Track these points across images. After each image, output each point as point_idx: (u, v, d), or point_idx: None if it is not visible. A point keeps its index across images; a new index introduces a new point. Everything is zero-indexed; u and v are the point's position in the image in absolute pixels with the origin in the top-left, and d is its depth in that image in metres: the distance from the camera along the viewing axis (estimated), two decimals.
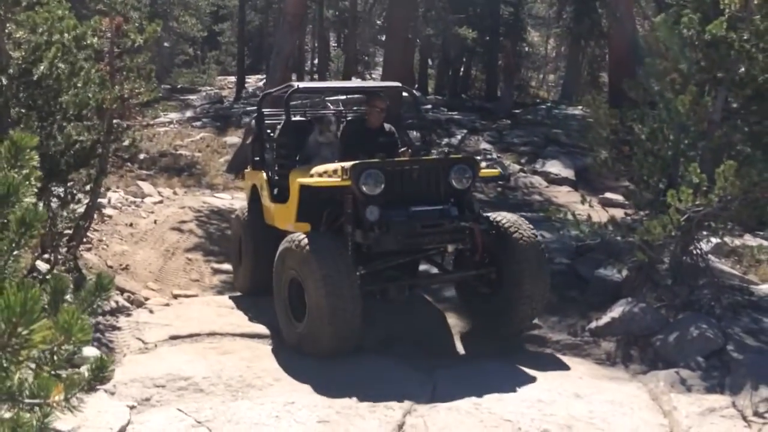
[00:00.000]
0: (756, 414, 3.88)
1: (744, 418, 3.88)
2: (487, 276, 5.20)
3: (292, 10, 12.64)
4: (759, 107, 5.50)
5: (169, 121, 16.19)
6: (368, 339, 4.87)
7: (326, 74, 23.38)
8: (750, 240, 6.72)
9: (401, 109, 12.40)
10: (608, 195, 9.83)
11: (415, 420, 3.77)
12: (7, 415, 1.59)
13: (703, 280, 5.47)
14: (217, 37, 29.88)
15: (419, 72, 22.96)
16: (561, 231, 6.46)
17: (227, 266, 7.39)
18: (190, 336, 5.05)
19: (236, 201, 9.98)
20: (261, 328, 5.29)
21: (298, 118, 6.31)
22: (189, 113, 17.80)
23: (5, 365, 1.48)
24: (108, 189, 8.65)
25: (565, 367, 4.72)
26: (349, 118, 6.34)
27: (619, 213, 6.18)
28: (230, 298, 6.33)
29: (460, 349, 5.29)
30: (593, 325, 5.28)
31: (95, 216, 6.66)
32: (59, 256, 5.70)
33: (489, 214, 5.24)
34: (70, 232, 5.86)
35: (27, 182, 1.68)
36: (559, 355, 5.02)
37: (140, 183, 10.51)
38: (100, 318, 5.11)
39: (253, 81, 24.45)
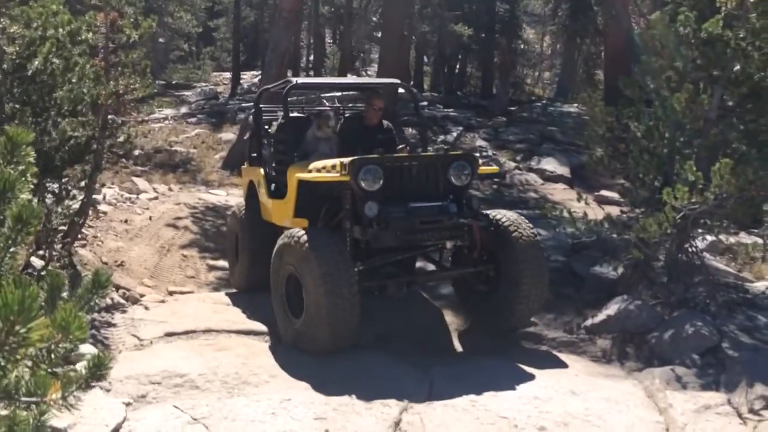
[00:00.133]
0: (751, 411, 3.89)
1: (739, 415, 3.89)
2: (485, 273, 5.19)
3: (288, 6, 12.60)
4: (755, 105, 5.51)
5: (164, 117, 16.16)
6: (365, 336, 4.86)
7: (322, 71, 23.34)
8: (745, 238, 6.73)
9: (397, 106, 12.39)
10: (604, 192, 9.83)
11: (412, 417, 3.77)
12: (4, 413, 1.57)
13: (699, 277, 5.49)
14: (212, 33, 29.76)
15: (415, 69, 22.94)
16: (557, 228, 6.47)
17: (223, 263, 7.38)
18: (186, 333, 5.04)
19: (231, 197, 9.97)
20: (257, 325, 5.28)
21: (295, 114, 6.29)
22: (184, 109, 17.76)
23: (2, 363, 1.46)
24: (103, 185, 8.58)
25: (561, 365, 4.73)
26: (347, 114, 6.32)
27: (614, 210, 6.17)
28: (226, 294, 6.31)
29: (457, 346, 5.30)
30: (589, 322, 5.30)
31: (90, 212, 6.63)
32: (54, 253, 5.67)
33: (489, 212, 5.23)
34: (64, 228, 5.83)
35: (23, 178, 1.66)
36: (555, 353, 5.04)
37: (135, 179, 10.49)
38: (95, 315, 5.09)
39: (249, 77, 24.41)
